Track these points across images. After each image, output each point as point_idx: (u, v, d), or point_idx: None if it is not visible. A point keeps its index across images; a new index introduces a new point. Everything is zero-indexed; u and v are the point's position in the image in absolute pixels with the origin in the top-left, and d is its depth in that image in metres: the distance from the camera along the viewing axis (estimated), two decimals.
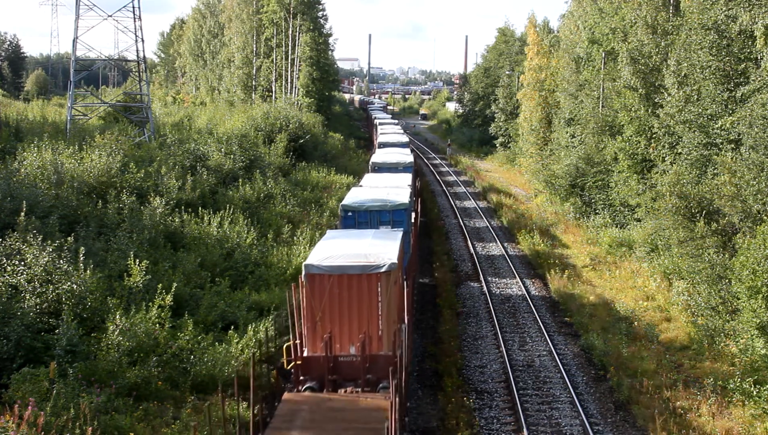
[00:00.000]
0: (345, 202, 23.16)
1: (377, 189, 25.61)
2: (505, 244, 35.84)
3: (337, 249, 16.19)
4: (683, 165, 26.38)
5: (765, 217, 20.33)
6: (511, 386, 19.02)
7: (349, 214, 22.53)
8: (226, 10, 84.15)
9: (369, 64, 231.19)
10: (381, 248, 16.25)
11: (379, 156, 36.96)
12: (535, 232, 36.33)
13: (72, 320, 15.60)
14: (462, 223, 40.93)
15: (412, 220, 24.59)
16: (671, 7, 31.58)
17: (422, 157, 71.27)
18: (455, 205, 47.65)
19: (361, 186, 27.67)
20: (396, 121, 67.06)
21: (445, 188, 54.45)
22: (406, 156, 36.94)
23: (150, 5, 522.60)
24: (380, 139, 48.68)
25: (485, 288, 28.24)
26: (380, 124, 62.20)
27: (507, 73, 68.94)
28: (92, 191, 25.23)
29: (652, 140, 30.79)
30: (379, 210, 22.53)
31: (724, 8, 24.91)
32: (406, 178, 29.50)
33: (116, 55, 71.68)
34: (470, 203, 48.69)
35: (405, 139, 49.75)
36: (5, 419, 11.63)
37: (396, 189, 25.38)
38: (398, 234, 18.48)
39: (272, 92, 71.45)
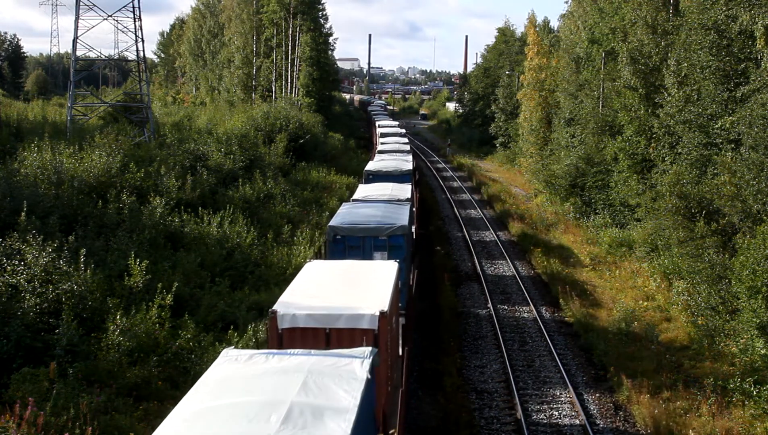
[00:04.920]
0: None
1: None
2: (504, 242, 35.87)
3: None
4: (683, 165, 26.37)
5: (765, 217, 20.33)
6: (511, 386, 19.03)
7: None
8: (226, 10, 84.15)
9: (369, 64, 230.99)
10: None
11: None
12: (536, 231, 36.38)
13: (72, 320, 15.60)
14: (461, 222, 40.96)
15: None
16: (671, 7, 31.56)
17: (422, 157, 71.41)
18: (452, 198, 48.30)
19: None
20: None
21: (442, 183, 54.84)
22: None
23: (150, 5, 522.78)
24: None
25: (485, 288, 28.25)
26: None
27: (507, 73, 68.94)
28: (92, 191, 25.20)
29: (652, 140, 30.79)
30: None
31: (724, 8, 24.90)
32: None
33: (116, 55, 71.78)
34: (466, 196, 49.95)
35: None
36: (5, 419, 11.62)
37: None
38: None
39: (272, 92, 71.45)
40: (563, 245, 34.62)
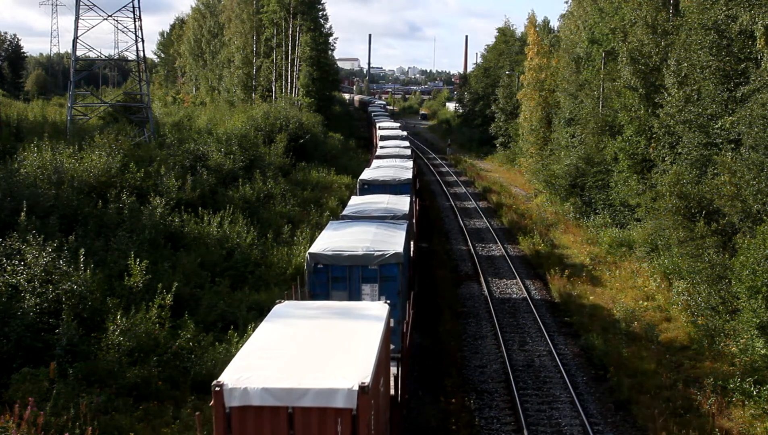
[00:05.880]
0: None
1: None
2: (505, 244, 35.83)
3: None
4: (683, 165, 26.38)
5: (765, 217, 20.33)
6: (511, 386, 19.02)
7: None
8: (226, 10, 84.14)
9: (369, 64, 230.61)
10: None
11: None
12: (535, 232, 36.36)
13: (72, 320, 15.62)
14: (462, 223, 40.94)
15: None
16: (671, 7, 31.57)
17: (422, 158, 71.39)
18: (455, 204, 47.82)
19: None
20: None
21: (445, 188, 54.61)
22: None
23: (150, 5, 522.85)
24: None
25: (485, 288, 28.24)
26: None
27: (507, 73, 68.94)
28: (92, 191, 25.24)
29: (652, 140, 30.80)
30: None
31: (724, 8, 24.90)
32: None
33: (116, 55, 71.82)
34: (470, 203, 48.81)
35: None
36: (5, 419, 11.64)
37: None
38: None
39: (272, 92, 71.46)
40: (563, 245, 34.63)
